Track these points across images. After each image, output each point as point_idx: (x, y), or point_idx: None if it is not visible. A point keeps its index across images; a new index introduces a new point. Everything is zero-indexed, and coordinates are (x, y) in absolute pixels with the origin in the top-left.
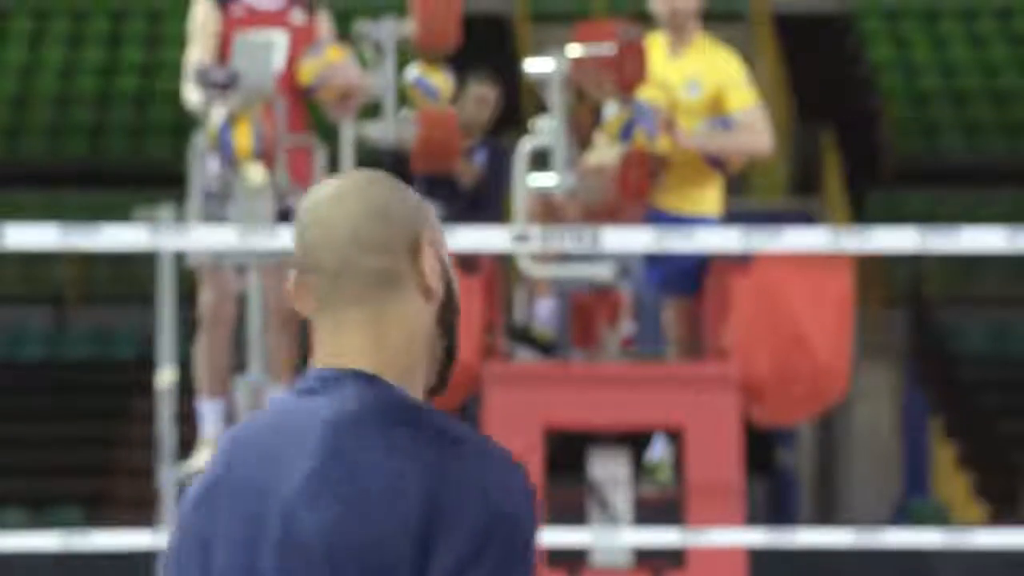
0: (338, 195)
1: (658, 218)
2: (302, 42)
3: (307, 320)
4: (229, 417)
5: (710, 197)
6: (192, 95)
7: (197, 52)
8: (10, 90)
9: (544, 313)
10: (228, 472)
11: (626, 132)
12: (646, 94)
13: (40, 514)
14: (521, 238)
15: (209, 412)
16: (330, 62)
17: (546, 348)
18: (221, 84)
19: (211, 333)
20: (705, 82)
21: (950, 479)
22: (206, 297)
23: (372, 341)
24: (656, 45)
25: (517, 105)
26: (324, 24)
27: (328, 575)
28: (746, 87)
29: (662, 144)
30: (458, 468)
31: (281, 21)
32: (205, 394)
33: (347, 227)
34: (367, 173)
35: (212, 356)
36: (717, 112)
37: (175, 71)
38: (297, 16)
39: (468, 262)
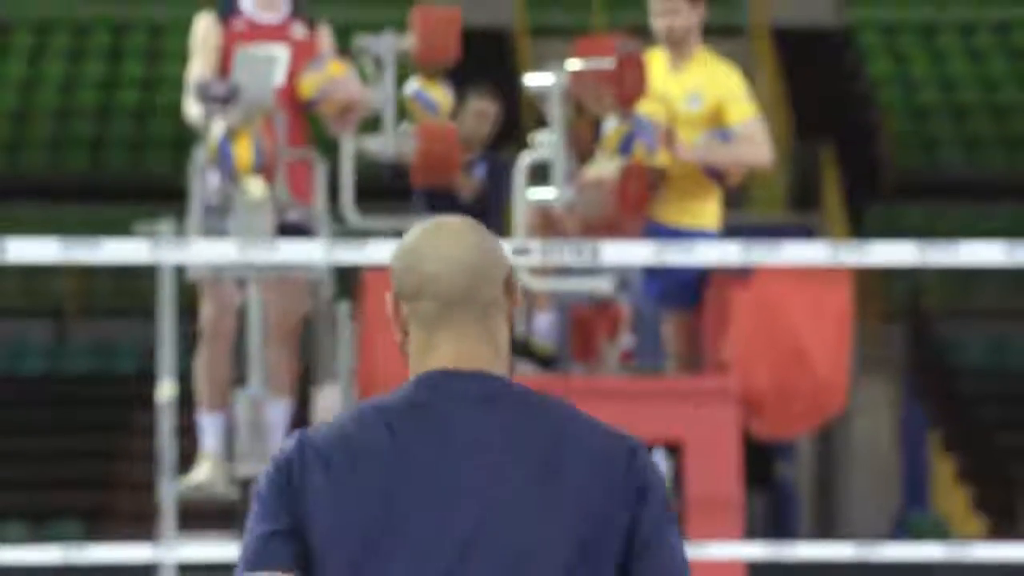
0: (455, 234)
1: (657, 231)
2: (303, 56)
3: (305, 334)
4: (229, 431)
5: (709, 211)
6: (193, 109)
7: (198, 66)
8: (11, 104)
9: (543, 327)
10: (399, 432)
11: (625, 146)
12: (646, 108)
13: (40, 528)
14: (521, 251)
15: (209, 426)
16: (331, 76)
17: (546, 362)
18: (221, 98)
19: (211, 347)
20: (706, 95)
21: (949, 493)
22: (206, 311)
23: (494, 351)
24: (657, 59)
25: (517, 119)
26: (325, 38)
27: (568, 519)
28: (746, 100)
29: (661, 158)
30: (643, 452)
31: (282, 35)
32: (205, 408)
33: (468, 262)
34: (463, 218)
35: (212, 369)
36: (717, 125)
37: (175, 85)
38: (298, 30)
39: None
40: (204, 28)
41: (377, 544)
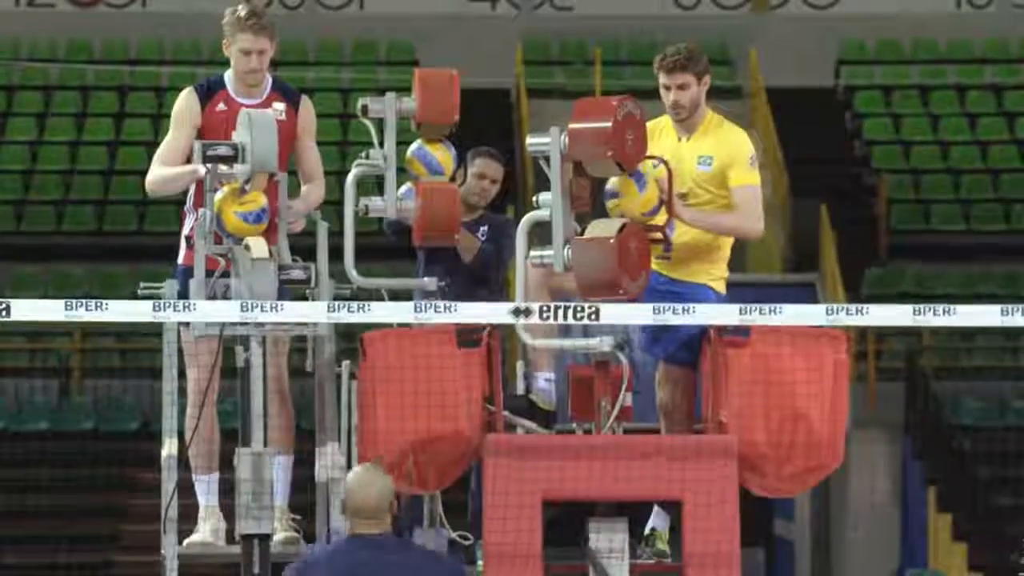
0: (369, 482)
1: (662, 286)
2: (285, 136)
3: (302, 395)
4: (229, 488)
5: (716, 271)
6: (156, 172)
7: (172, 141)
8: (17, 165)
9: (542, 385)
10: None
11: (610, 194)
12: (652, 173)
13: None
14: (522, 311)
15: (204, 485)
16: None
17: (546, 420)
18: (224, 157)
19: (200, 408)
20: (716, 156)
21: (947, 550)
22: (193, 373)
23: (385, 528)
24: (668, 127)
25: (518, 178)
26: (307, 117)
27: None
28: (748, 167)
29: (662, 217)
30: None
31: None
32: (200, 468)
33: (375, 501)
34: (375, 468)
35: (202, 431)
36: (723, 187)
37: None
38: (277, 110)
39: (469, 336)
40: (185, 104)
41: None
